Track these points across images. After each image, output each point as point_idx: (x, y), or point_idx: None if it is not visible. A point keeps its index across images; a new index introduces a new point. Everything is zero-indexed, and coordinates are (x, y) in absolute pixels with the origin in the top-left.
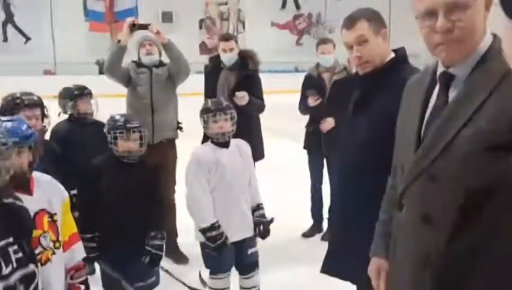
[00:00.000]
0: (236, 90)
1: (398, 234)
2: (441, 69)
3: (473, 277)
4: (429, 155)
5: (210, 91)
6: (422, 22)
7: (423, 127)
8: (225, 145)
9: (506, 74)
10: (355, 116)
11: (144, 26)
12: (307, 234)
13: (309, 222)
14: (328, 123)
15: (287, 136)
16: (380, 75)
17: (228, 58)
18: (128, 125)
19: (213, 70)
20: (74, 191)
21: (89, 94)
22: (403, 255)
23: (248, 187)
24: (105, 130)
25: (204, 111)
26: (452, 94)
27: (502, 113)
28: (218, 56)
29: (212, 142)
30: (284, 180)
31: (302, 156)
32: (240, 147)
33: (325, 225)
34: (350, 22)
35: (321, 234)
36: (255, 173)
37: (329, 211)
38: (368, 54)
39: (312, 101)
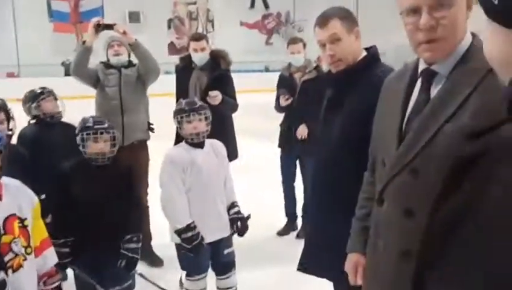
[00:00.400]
0: (209, 90)
1: (379, 228)
2: (422, 66)
3: (447, 268)
4: (411, 151)
5: (181, 91)
6: (406, 18)
7: (404, 123)
8: (200, 145)
9: (488, 71)
10: (328, 114)
11: (110, 27)
12: (282, 233)
13: (284, 221)
14: (301, 131)
15: (260, 136)
16: (352, 74)
17: (199, 58)
18: (96, 127)
19: (184, 70)
20: (43, 196)
21: (51, 93)
22: (384, 250)
23: (224, 187)
24: (76, 132)
25: (178, 112)
26: (434, 91)
27: (484, 109)
28: (189, 56)
29: (187, 142)
30: (258, 180)
31: (276, 156)
32: (215, 147)
33: (299, 222)
34: (323, 20)
35: (296, 231)
36: (230, 174)
37: (303, 209)
38: (340, 52)
39: (283, 101)
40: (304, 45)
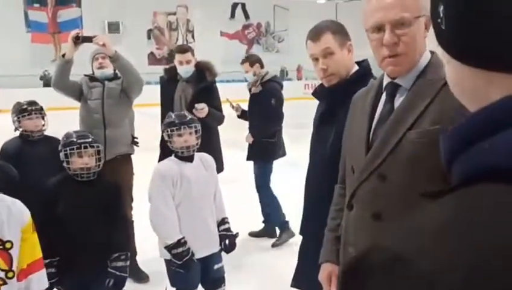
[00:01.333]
0: (194, 102)
1: (348, 234)
2: (387, 80)
3: None
4: (379, 156)
5: (166, 103)
6: (371, 35)
7: (371, 133)
8: (189, 159)
9: (445, 83)
10: (321, 126)
11: (89, 39)
12: (254, 234)
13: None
14: (247, 138)
15: (238, 146)
16: (345, 87)
17: (185, 70)
18: (80, 141)
19: (169, 81)
20: None
21: (34, 111)
22: (354, 254)
23: (213, 201)
24: (59, 148)
25: (168, 125)
26: (397, 102)
27: (443, 116)
28: (174, 67)
29: (176, 156)
30: (242, 192)
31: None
32: (205, 160)
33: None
34: (315, 34)
35: (273, 240)
36: (219, 187)
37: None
38: (333, 66)
39: (234, 110)
40: (252, 63)
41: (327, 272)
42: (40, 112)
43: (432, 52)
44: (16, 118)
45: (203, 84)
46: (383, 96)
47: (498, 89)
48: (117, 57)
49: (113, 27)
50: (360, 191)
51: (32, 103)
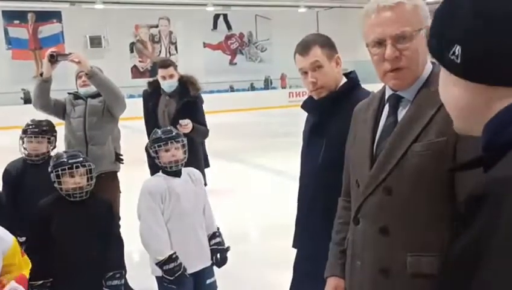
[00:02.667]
0: (178, 117)
1: (355, 248)
2: (389, 92)
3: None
4: (384, 170)
5: (150, 118)
6: (372, 50)
7: (375, 145)
8: (177, 174)
9: None
10: (312, 139)
11: (64, 56)
12: None
13: (260, 246)
14: None
15: (222, 157)
16: (335, 99)
17: (168, 85)
18: (71, 161)
19: (152, 95)
20: (23, 239)
21: (35, 134)
22: (362, 269)
23: (203, 216)
24: (49, 169)
25: (155, 141)
26: (401, 114)
27: (448, 126)
28: (157, 80)
29: (164, 171)
30: (229, 204)
31: (246, 177)
32: (193, 174)
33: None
34: (304, 48)
35: None
36: (208, 201)
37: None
38: (322, 79)
39: None
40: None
41: (333, 287)
42: (43, 135)
43: (433, 63)
44: (20, 140)
45: (187, 98)
46: (386, 108)
47: (501, 99)
48: (93, 73)
49: (95, 41)
50: (366, 206)
51: (38, 125)
